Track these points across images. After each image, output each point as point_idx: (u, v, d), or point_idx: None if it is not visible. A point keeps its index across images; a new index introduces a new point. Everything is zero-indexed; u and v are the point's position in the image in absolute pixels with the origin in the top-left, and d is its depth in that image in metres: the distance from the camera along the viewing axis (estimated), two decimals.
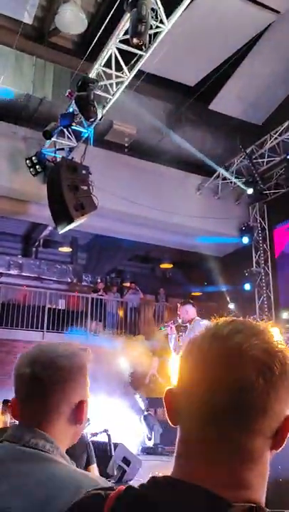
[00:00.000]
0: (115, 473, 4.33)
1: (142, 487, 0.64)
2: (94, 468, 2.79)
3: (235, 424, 0.60)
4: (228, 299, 9.60)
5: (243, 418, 0.59)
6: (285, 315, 9.15)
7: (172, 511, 0.58)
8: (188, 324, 5.14)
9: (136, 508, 0.61)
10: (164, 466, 5.47)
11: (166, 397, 0.68)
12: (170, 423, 0.69)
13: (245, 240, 9.56)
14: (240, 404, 0.59)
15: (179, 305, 5.34)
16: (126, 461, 4.42)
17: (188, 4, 5.44)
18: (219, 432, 0.60)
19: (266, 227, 9.83)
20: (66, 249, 13.78)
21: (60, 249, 13.79)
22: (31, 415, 0.94)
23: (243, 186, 9.45)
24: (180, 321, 5.25)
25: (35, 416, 0.93)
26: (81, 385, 0.98)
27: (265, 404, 0.59)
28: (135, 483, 0.67)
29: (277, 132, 8.29)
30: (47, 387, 0.93)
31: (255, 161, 8.83)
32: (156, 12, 5.28)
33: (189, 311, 5.15)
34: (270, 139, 8.45)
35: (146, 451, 6.34)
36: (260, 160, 8.86)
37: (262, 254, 9.61)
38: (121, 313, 11.76)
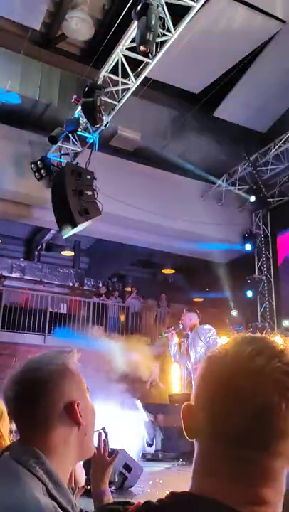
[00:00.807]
0: (116, 479, 4.32)
1: (161, 502, 0.64)
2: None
3: (257, 445, 0.60)
4: (231, 305, 9.59)
5: (265, 440, 0.60)
6: (286, 323, 9.14)
7: None
8: (189, 332, 5.13)
9: None
10: (165, 473, 5.46)
11: (184, 412, 0.69)
12: (186, 436, 0.69)
13: (248, 246, 9.56)
14: (263, 427, 0.60)
15: (184, 311, 5.33)
16: (127, 468, 4.40)
17: (196, 13, 5.50)
18: (240, 452, 0.61)
19: (269, 235, 9.85)
20: (68, 253, 13.81)
21: (63, 253, 13.82)
22: (24, 431, 0.96)
23: (245, 195, 9.48)
24: (181, 327, 5.24)
25: (28, 430, 0.95)
26: (64, 388, 0.96)
27: (286, 427, 0.60)
28: (150, 497, 0.68)
29: (281, 140, 8.33)
30: (30, 404, 0.94)
31: (259, 168, 8.86)
32: (164, 20, 5.33)
33: (193, 319, 5.15)
34: (274, 146, 8.49)
35: (147, 457, 6.32)
36: (263, 167, 8.89)
37: (264, 262, 9.62)
38: (122, 318, 11.76)
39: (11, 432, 2.47)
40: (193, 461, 0.67)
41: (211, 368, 0.66)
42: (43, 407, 0.94)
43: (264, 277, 9.50)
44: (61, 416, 0.94)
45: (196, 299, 13.08)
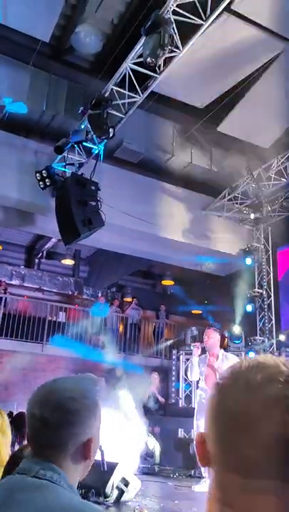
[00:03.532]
0: (113, 494, 4.29)
1: None
2: None
3: (276, 475, 0.58)
4: (230, 318, 9.58)
5: (284, 470, 0.58)
6: (282, 337, 9.14)
7: None
8: (217, 356, 5.11)
9: None
10: (163, 488, 5.41)
11: (197, 441, 0.68)
12: (200, 465, 0.70)
13: (249, 260, 9.59)
14: (281, 457, 0.58)
15: (210, 329, 5.31)
16: (125, 482, 4.37)
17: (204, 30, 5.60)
18: (258, 483, 0.59)
19: (270, 249, 9.88)
20: (69, 262, 13.83)
21: (63, 261, 13.84)
22: (40, 451, 0.97)
23: (247, 209, 9.55)
24: (204, 345, 5.23)
25: (44, 452, 0.96)
26: (90, 424, 0.99)
27: None
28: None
29: (284, 156, 8.41)
30: (54, 429, 0.96)
31: (261, 183, 8.93)
32: (173, 38, 5.42)
33: (217, 339, 5.16)
34: (277, 162, 8.57)
35: (145, 471, 6.27)
36: (266, 182, 8.97)
37: (264, 276, 9.64)
38: (121, 328, 11.74)
39: (12, 444, 2.48)
40: (209, 488, 0.66)
41: (220, 398, 0.64)
42: (67, 436, 0.97)
43: (264, 292, 9.51)
44: (79, 447, 0.98)
45: (194, 311, 13.08)
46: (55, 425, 0.96)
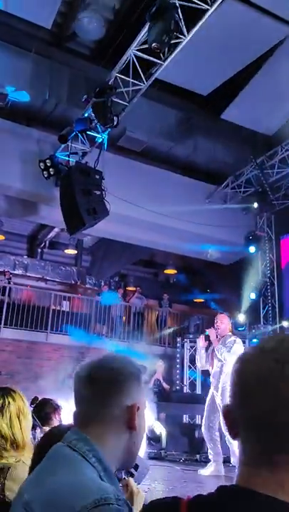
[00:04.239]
0: (123, 477, 4.36)
1: (212, 495, 0.67)
2: None
3: None
4: (233, 307, 9.63)
5: None
6: (285, 324, 9.19)
7: None
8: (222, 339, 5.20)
9: None
10: (169, 472, 5.50)
11: (224, 413, 0.73)
12: (229, 438, 0.74)
13: (252, 249, 9.60)
14: None
15: (221, 315, 5.45)
16: (134, 465, 4.44)
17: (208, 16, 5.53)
18: (278, 441, 0.64)
19: (273, 237, 9.89)
20: (71, 251, 13.84)
21: (66, 251, 13.85)
22: (82, 417, 0.99)
23: (250, 197, 9.53)
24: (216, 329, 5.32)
25: (85, 418, 0.98)
26: (134, 389, 1.00)
27: None
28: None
29: (288, 144, 8.37)
30: (99, 386, 0.98)
31: (265, 171, 8.90)
32: (178, 23, 5.37)
33: (227, 323, 5.30)
34: (281, 150, 8.53)
35: (151, 456, 6.37)
36: (270, 170, 8.94)
37: (268, 264, 9.67)
38: (124, 317, 11.80)
39: (34, 427, 2.52)
40: (238, 456, 0.71)
41: (246, 365, 0.69)
42: (113, 399, 0.98)
43: (267, 280, 9.54)
44: (120, 415, 0.98)
45: (197, 300, 13.14)
46: (99, 382, 0.98)
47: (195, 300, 13.29)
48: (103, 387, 0.98)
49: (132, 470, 5.01)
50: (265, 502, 0.62)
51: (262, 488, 0.63)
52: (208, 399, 5.40)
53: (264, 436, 0.65)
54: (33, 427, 2.32)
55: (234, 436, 0.70)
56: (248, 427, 0.67)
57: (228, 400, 0.72)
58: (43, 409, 2.81)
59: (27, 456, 1.68)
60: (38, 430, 2.69)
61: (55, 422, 2.74)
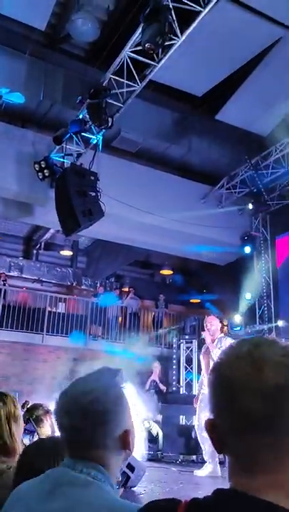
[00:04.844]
0: (119, 478, 4.36)
1: (209, 499, 0.67)
2: None
3: (280, 429, 0.64)
4: (229, 307, 9.65)
5: (287, 422, 0.64)
6: (280, 323, 9.21)
7: None
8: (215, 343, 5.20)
9: None
10: (167, 474, 5.50)
11: (207, 427, 0.72)
12: (217, 451, 0.73)
13: (248, 249, 9.63)
14: (282, 409, 0.64)
15: (211, 316, 5.44)
16: (130, 467, 4.43)
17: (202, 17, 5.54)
18: (265, 440, 0.64)
19: (268, 238, 9.92)
20: (67, 253, 13.82)
21: (61, 252, 13.84)
22: (79, 449, 0.98)
23: (245, 198, 9.56)
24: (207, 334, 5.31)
25: (83, 446, 0.97)
26: (121, 417, 0.99)
27: None
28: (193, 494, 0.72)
29: (282, 145, 8.41)
30: (87, 434, 0.97)
31: (260, 171, 8.93)
32: (171, 25, 5.38)
33: (218, 325, 5.30)
34: (276, 150, 8.56)
35: (148, 457, 6.37)
36: (264, 171, 8.97)
37: (263, 264, 9.69)
38: (120, 318, 11.79)
39: (31, 433, 2.51)
40: (229, 465, 0.71)
41: (218, 375, 0.70)
42: (101, 436, 0.97)
43: (263, 280, 9.57)
44: (118, 442, 0.99)
45: (193, 300, 13.15)
46: (87, 431, 0.97)
47: (191, 301, 13.30)
48: (91, 434, 0.96)
49: (128, 472, 4.95)
50: (261, 506, 0.62)
51: (257, 492, 0.64)
52: (199, 399, 5.41)
53: (256, 441, 0.65)
54: (31, 433, 2.31)
55: (220, 450, 0.71)
56: (235, 433, 0.67)
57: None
58: (34, 413, 2.79)
59: None
60: (36, 437, 2.67)
61: (47, 425, 2.73)
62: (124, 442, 0.99)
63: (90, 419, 0.96)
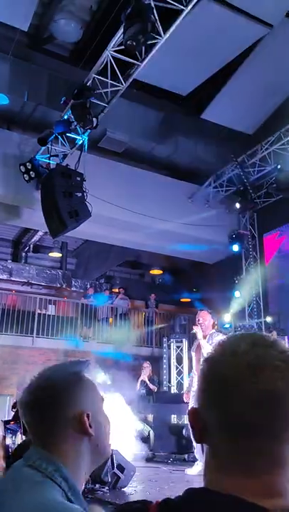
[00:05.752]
0: (109, 479, 4.34)
1: (179, 499, 0.66)
2: None
3: (267, 434, 0.62)
4: (219, 305, 9.67)
5: (273, 428, 0.62)
6: (269, 319, 9.26)
7: None
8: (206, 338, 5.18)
9: None
10: (158, 474, 5.49)
11: (190, 415, 0.70)
12: (195, 441, 0.72)
13: (236, 247, 9.67)
14: (270, 415, 0.62)
15: (203, 312, 5.38)
16: (120, 468, 4.42)
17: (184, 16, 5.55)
18: (251, 443, 0.63)
19: (256, 235, 9.97)
20: (56, 255, 13.76)
21: (50, 254, 13.77)
22: (37, 437, 0.96)
23: (233, 196, 9.60)
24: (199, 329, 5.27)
25: (40, 438, 0.95)
26: (75, 398, 0.96)
27: None
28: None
29: (268, 142, 8.45)
30: (36, 410, 0.95)
31: (246, 170, 8.97)
32: (154, 24, 5.37)
33: (211, 320, 5.26)
34: (262, 148, 8.60)
35: (139, 457, 6.34)
36: (251, 169, 9.01)
37: (252, 262, 9.74)
38: (111, 319, 11.77)
39: (4, 437, 2.49)
40: (205, 459, 0.69)
41: (210, 366, 0.68)
42: (53, 416, 0.94)
43: (251, 277, 9.61)
44: (72, 426, 0.95)
45: (183, 300, 13.17)
46: (41, 407, 0.95)
47: (182, 300, 13.32)
48: (40, 411, 0.95)
49: (118, 472, 4.93)
50: (234, 504, 0.61)
51: (233, 490, 0.62)
52: (191, 396, 5.40)
53: (241, 443, 0.64)
54: (13, 432, 2.29)
55: (199, 440, 0.69)
56: (221, 429, 0.66)
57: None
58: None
59: None
60: (18, 436, 2.65)
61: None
62: (82, 424, 0.94)
63: (38, 394, 0.95)
